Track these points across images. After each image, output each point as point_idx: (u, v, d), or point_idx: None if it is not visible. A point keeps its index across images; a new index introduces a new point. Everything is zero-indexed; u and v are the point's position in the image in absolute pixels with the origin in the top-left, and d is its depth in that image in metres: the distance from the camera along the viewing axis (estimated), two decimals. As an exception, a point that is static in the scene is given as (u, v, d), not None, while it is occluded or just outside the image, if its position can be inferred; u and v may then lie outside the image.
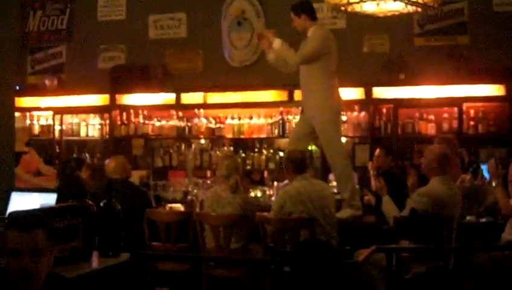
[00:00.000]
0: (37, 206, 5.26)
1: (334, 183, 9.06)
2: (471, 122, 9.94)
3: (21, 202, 5.61)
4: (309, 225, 6.43)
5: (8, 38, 7.70)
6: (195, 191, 8.42)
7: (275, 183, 8.85)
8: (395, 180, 7.73)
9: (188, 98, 11.20)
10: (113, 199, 4.99)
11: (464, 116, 9.95)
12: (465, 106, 9.94)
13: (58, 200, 5.70)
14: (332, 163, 7.72)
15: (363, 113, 10.38)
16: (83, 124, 11.87)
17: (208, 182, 8.95)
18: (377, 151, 8.56)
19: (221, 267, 6.76)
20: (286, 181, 8.36)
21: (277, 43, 7.79)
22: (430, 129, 10.12)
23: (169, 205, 8.13)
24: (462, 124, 9.93)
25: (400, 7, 7.20)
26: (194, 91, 11.17)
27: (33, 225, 3.29)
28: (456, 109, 9.99)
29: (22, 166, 9.22)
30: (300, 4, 7.83)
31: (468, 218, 7.02)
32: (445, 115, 10.11)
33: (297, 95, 10.51)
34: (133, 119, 11.48)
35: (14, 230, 3.25)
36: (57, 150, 11.90)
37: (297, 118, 10.36)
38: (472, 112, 9.98)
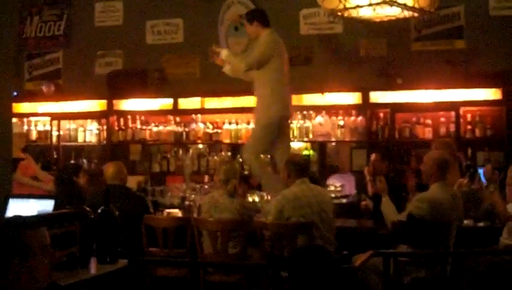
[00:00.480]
0: (34, 212, 5.25)
1: (332, 188, 9.12)
2: (468, 126, 9.95)
3: (18, 208, 5.58)
4: (307, 230, 6.43)
5: (5, 44, 7.70)
6: (192, 196, 8.42)
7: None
8: (391, 184, 7.73)
9: (185, 103, 11.22)
10: (111, 205, 4.99)
11: (461, 120, 9.95)
12: (462, 110, 9.94)
13: (55, 207, 5.69)
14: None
15: (360, 118, 10.39)
16: (80, 129, 11.87)
17: (206, 187, 8.96)
18: (373, 156, 8.61)
19: (219, 272, 6.76)
20: None
21: (224, 53, 8.11)
22: (428, 133, 10.13)
23: (167, 210, 8.14)
24: (459, 128, 9.93)
25: (397, 12, 7.21)
26: (191, 96, 11.18)
27: (40, 223, 3.30)
28: (453, 113, 9.99)
29: (20, 171, 9.20)
30: (252, 11, 8.28)
31: (465, 222, 7.02)
32: (443, 119, 10.12)
33: (295, 100, 10.51)
34: (130, 124, 11.49)
35: (27, 229, 3.24)
36: (55, 156, 11.90)
37: (295, 123, 10.43)
38: (469, 116, 9.98)
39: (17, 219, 3.40)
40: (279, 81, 7.86)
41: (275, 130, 7.89)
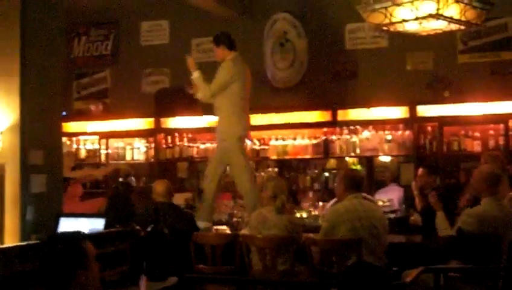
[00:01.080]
0: (85, 231, 5.31)
1: (381, 203, 9.06)
2: (518, 139, 9.84)
3: (69, 226, 5.66)
4: (356, 246, 6.40)
5: (54, 64, 7.82)
6: (240, 213, 8.43)
7: (320, 203, 8.87)
8: (441, 200, 7.66)
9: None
10: (160, 222, 5.02)
11: (510, 132, 9.83)
12: (511, 122, 9.82)
13: (106, 225, 5.75)
14: (241, 187, 8.35)
15: (407, 132, 10.32)
16: (128, 147, 11.98)
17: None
18: (420, 170, 8.55)
19: (268, 289, 6.74)
20: (334, 199, 8.43)
21: (195, 74, 8.59)
22: (476, 146, 10.02)
23: (214, 227, 8.15)
24: (508, 141, 9.81)
25: (443, 25, 7.15)
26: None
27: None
28: (502, 126, 9.88)
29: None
30: (219, 35, 8.69)
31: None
32: (491, 132, 10.01)
33: (341, 115, 10.54)
34: (177, 142, 11.56)
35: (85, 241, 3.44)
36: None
37: (341, 138, 10.41)
38: (518, 128, 9.88)
39: (77, 232, 3.53)
40: (238, 104, 8.37)
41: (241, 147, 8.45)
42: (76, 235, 3.48)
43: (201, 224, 7.76)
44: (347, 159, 10.83)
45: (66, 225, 5.75)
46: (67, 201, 8.36)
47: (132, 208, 7.88)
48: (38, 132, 7.45)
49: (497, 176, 6.43)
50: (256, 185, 8.34)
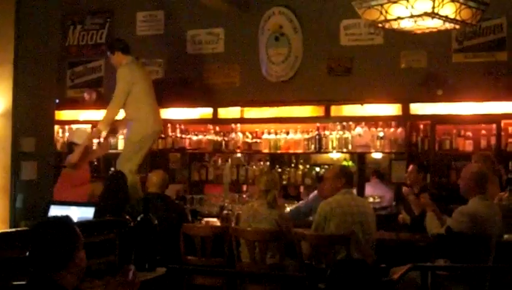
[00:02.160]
0: (74, 219, 5.31)
1: (371, 199, 9.09)
2: (510, 139, 9.82)
3: (59, 214, 5.67)
4: (345, 242, 6.42)
5: (48, 52, 7.82)
6: (231, 205, 8.45)
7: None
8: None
9: (224, 112, 11.26)
10: (150, 213, 5.02)
11: (502, 133, 9.84)
12: (503, 122, 9.82)
13: (96, 214, 5.75)
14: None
15: (399, 129, 10.31)
16: (120, 137, 11.94)
17: (244, 196, 8.99)
18: (410, 167, 8.59)
19: (256, 282, 6.77)
20: (315, 192, 8.50)
21: (100, 127, 8.82)
22: (468, 146, 10.03)
23: (205, 219, 8.17)
24: (500, 141, 9.81)
25: (438, 24, 7.15)
26: (231, 106, 11.23)
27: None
28: (494, 126, 9.88)
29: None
30: (113, 42, 8.97)
31: (505, 237, 6.94)
32: (483, 132, 10.02)
33: (334, 110, 10.55)
34: (170, 133, 11.54)
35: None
36: (95, 163, 11.98)
37: (334, 133, 10.42)
38: (510, 128, 9.86)
39: (66, 216, 3.67)
40: (145, 101, 8.63)
41: (148, 144, 8.77)
42: (68, 219, 3.59)
43: None
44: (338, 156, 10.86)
45: (56, 212, 5.74)
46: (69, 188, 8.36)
47: (127, 199, 7.86)
48: (31, 119, 7.46)
49: (485, 175, 6.47)
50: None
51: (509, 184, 7.58)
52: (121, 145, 11.88)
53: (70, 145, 8.91)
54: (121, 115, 8.94)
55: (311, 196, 8.92)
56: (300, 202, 9.04)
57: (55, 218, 3.60)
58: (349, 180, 6.88)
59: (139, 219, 4.97)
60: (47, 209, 6.04)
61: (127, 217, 5.06)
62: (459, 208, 6.48)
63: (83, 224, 4.65)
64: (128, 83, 8.49)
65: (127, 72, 8.55)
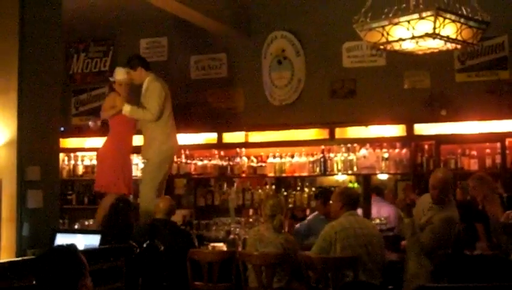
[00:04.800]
0: (81, 247, 5.32)
1: (378, 221, 9.06)
2: (515, 158, 9.85)
3: (65, 243, 5.68)
4: (352, 264, 6.41)
5: (52, 81, 7.85)
6: (237, 230, 8.43)
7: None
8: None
9: (229, 137, 11.28)
10: (156, 239, 5.03)
11: (507, 151, 9.84)
12: (507, 140, 9.83)
13: (102, 242, 5.76)
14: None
15: (404, 150, 10.32)
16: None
17: (250, 220, 8.97)
18: (404, 185, 8.64)
19: (264, 306, 6.75)
20: (314, 213, 8.50)
21: (127, 108, 8.52)
22: (473, 165, 10.02)
23: (212, 244, 8.15)
24: (505, 159, 9.81)
25: (440, 45, 7.17)
26: (235, 130, 11.24)
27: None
28: (498, 144, 9.88)
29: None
30: (134, 58, 8.83)
31: (513, 255, 6.92)
32: (488, 151, 10.02)
33: (339, 133, 10.55)
34: (175, 158, 11.54)
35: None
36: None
37: (339, 155, 10.42)
38: (515, 147, 9.89)
39: (72, 244, 3.67)
40: (170, 121, 8.61)
41: (169, 165, 8.76)
42: (72, 247, 3.61)
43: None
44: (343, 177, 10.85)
45: (62, 240, 5.75)
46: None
47: (130, 225, 7.86)
48: (36, 147, 7.47)
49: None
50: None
51: (511, 202, 7.57)
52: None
53: (111, 85, 8.95)
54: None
55: (310, 216, 8.92)
56: (299, 224, 8.99)
57: (60, 247, 3.61)
58: (350, 203, 6.84)
59: (145, 245, 4.98)
60: (53, 238, 6.04)
61: (133, 243, 5.05)
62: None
63: (89, 251, 4.66)
64: (162, 98, 8.43)
65: (160, 87, 8.50)
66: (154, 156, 8.51)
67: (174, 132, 8.71)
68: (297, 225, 8.77)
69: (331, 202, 7.20)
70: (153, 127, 8.48)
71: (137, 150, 9.21)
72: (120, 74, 8.75)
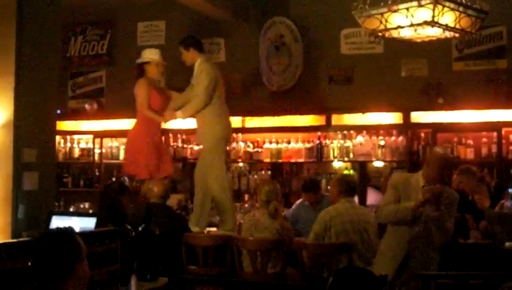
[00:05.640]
0: (76, 230, 5.32)
1: (374, 209, 9.07)
2: (511, 147, 9.85)
3: (60, 225, 5.68)
4: (346, 251, 6.43)
5: (49, 63, 7.83)
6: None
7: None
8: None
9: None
10: (152, 223, 5.03)
11: (503, 140, 9.86)
12: (504, 130, 9.85)
13: (97, 224, 5.76)
14: (217, 188, 7.97)
15: (400, 138, 10.34)
16: (122, 147, 11.96)
17: (246, 205, 8.98)
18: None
19: (259, 292, 6.76)
20: (298, 201, 8.52)
21: (180, 115, 8.22)
22: (469, 154, 10.05)
23: (207, 229, 8.16)
24: (501, 149, 9.84)
25: (438, 33, 7.19)
26: (232, 115, 11.17)
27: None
28: (495, 134, 9.91)
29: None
30: (187, 38, 8.44)
31: (507, 244, 6.95)
32: (484, 140, 10.04)
33: (335, 119, 10.56)
34: (171, 143, 11.56)
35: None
36: (97, 173, 12.03)
37: (335, 142, 10.43)
38: (511, 136, 9.89)
39: (69, 227, 3.65)
40: (221, 103, 8.17)
41: (225, 149, 8.45)
42: (69, 230, 3.59)
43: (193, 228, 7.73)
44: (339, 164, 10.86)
45: (58, 223, 5.75)
46: None
47: (123, 208, 7.86)
48: (32, 130, 7.46)
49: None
50: (228, 190, 8.13)
51: (500, 191, 7.60)
52: (122, 155, 11.91)
53: (140, 66, 8.52)
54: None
55: (294, 205, 8.95)
56: (285, 211, 8.95)
57: (58, 230, 3.61)
58: (347, 189, 6.86)
59: (140, 229, 4.97)
60: (48, 220, 6.04)
61: (129, 227, 5.05)
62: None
63: (85, 234, 4.65)
64: (213, 80, 8.03)
65: (211, 68, 8.14)
66: (207, 140, 8.15)
67: (226, 114, 8.30)
68: (284, 212, 8.73)
69: (328, 187, 7.22)
70: (202, 111, 8.06)
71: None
72: (156, 54, 8.52)
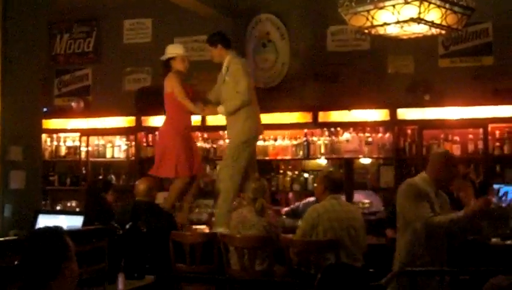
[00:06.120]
0: (64, 228, 5.31)
1: (361, 205, 9.10)
2: (497, 143, 9.90)
3: (47, 224, 5.67)
4: (333, 247, 6.43)
5: (35, 61, 7.81)
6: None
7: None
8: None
9: (213, 120, 11.23)
10: (139, 221, 5.03)
11: (489, 137, 9.90)
12: (490, 126, 9.88)
13: (84, 223, 5.75)
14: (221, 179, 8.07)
15: (387, 135, 10.36)
16: (108, 145, 11.95)
17: (234, 203, 8.98)
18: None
19: (246, 289, 6.76)
20: (312, 198, 8.49)
21: (221, 110, 8.21)
22: (456, 150, 10.06)
23: (194, 226, 8.16)
24: (487, 145, 9.88)
25: (424, 30, 7.20)
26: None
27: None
28: (481, 130, 9.94)
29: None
30: (215, 35, 8.39)
31: (493, 240, 6.99)
32: (471, 136, 10.07)
33: (322, 116, 10.57)
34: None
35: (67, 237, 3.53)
36: (83, 171, 11.99)
37: (322, 139, 10.44)
38: (497, 132, 9.94)
39: (57, 227, 3.64)
40: (254, 100, 8.16)
41: (253, 148, 8.30)
42: (58, 229, 3.57)
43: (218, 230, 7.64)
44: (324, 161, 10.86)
45: (45, 221, 5.74)
46: None
47: (108, 206, 7.86)
48: (18, 128, 7.43)
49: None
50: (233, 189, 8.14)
51: (486, 188, 7.64)
52: (109, 153, 11.90)
53: (166, 62, 8.52)
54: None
55: (306, 200, 9.02)
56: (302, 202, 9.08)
57: (46, 229, 3.59)
58: (333, 186, 6.84)
59: (127, 226, 4.98)
60: (35, 219, 6.03)
61: (116, 225, 5.05)
62: None
63: (72, 233, 4.65)
64: (249, 76, 8.06)
65: (245, 64, 8.18)
66: (237, 136, 8.14)
67: (257, 112, 8.31)
68: (297, 203, 8.78)
69: (315, 185, 7.22)
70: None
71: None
72: (180, 48, 8.52)
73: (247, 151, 8.14)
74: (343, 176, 9.94)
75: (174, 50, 8.49)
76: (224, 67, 8.23)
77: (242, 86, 7.97)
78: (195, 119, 11.28)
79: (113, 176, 11.64)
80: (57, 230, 3.55)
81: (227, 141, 8.85)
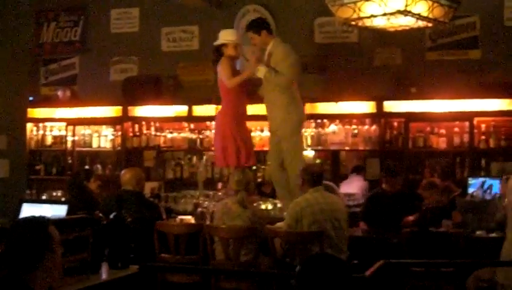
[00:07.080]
0: (48, 217, 5.29)
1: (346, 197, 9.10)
2: (483, 137, 9.92)
3: (31, 213, 5.64)
4: (318, 239, 6.44)
5: (21, 49, 7.78)
6: (205, 203, 8.42)
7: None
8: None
9: (199, 110, 11.24)
10: (124, 210, 5.02)
11: (475, 130, 9.92)
12: (476, 120, 9.91)
13: (68, 212, 5.73)
14: (291, 174, 7.73)
15: (373, 127, 10.38)
16: (95, 135, 11.92)
17: (219, 194, 8.97)
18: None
19: (231, 279, 6.77)
20: None
21: (262, 70, 7.90)
22: (441, 143, 10.10)
23: (179, 217, 8.15)
24: (473, 138, 9.90)
25: (411, 22, 7.20)
26: (205, 103, 11.18)
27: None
28: (467, 123, 9.96)
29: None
30: (257, 22, 8.25)
31: (478, 233, 7.02)
32: (456, 129, 10.09)
33: (309, 108, 10.53)
34: (144, 131, 11.53)
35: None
36: (69, 161, 11.95)
37: (309, 131, 10.43)
38: (483, 126, 9.96)
39: (42, 217, 3.62)
40: (295, 89, 7.97)
41: (296, 137, 8.01)
42: (43, 219, 3.55)
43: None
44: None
45: (29, 210, 5.72)
46: None
47: (91, 194, 7.83)
48: (2, 117, 7.41)
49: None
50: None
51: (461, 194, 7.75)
52: (95, 143, 11.87)
53: (218, 48, 8.28)
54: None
55: None
56: None
57: (31, 218, 3.57)
58: (312, 179, 6.83)
59: (111, 216, 4.96)
60: (19, 208, 6.00)
61: (100, 214, 5.04)
62: None
63: (56, 221, 4.63)
64: (296, 60, 7.94)
65: (290, 49, 7.96)
66: (285, 127, 7.92)
67: (300, 99, 8.09)
68: None
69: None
70: (276, 95, 7.90)
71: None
72: (233, 35, 8.32)
73: (297, 139, 8.04)
74: (322, 168, 9.94)
75: (227, 36, 8.27)
76: (267, 53, 8.04)
77: (287, 69, 7.81)
78: (182, 110, 11.30)
79: (99, 166, 11.61)
80: (40, 220, 3.53)
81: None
